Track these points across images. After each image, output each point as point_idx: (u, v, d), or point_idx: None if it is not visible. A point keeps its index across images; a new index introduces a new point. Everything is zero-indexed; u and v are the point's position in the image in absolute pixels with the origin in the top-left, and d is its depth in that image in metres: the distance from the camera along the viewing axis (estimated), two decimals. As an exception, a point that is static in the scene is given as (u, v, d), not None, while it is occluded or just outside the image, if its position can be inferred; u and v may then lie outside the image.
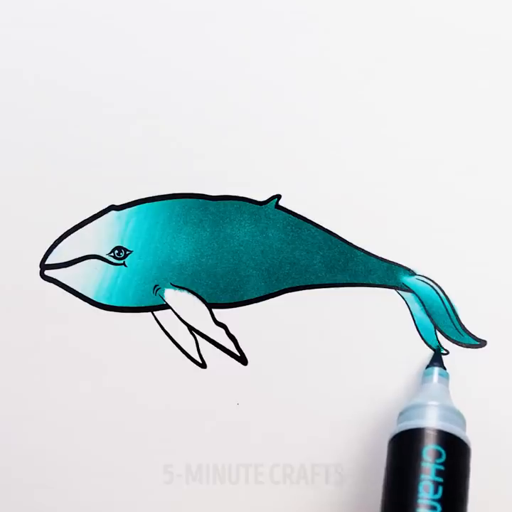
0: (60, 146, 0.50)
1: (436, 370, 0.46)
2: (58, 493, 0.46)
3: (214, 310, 0.48)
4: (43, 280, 0.48)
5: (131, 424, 0.47)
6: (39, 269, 0.48)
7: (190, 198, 0.49)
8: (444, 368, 0.46)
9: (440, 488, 0.40)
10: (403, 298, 0.48)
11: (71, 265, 0.49)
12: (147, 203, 0.49)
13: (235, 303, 0.48)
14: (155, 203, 0.49)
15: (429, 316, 0.48)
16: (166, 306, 0.48)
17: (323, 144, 0.50)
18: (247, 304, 0.48)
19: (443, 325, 0.48)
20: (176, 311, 0.48)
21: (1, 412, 0.47)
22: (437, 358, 0.47)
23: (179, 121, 0.50)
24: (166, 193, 0.49)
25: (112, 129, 0.50)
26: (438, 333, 0.48)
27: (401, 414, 0.44)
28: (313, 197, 0.50)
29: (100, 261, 0.49)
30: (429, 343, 0.48)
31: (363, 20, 0.52)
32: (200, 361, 0.48)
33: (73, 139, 0.50)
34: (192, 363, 0.48)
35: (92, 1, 0.52)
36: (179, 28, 0.51)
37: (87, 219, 0.49)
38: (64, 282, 0.48)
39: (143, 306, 0.48)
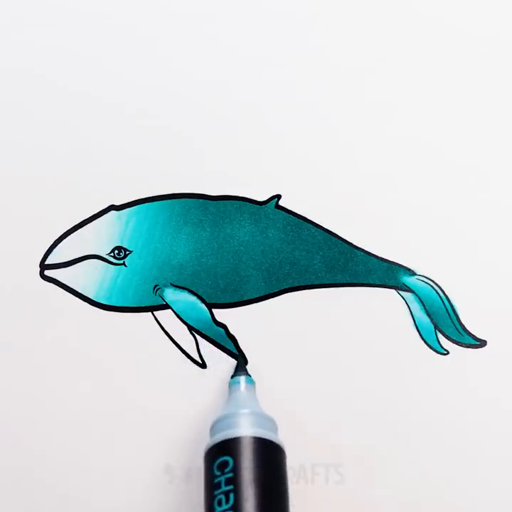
0: (60, 146, 0.50)
1: (242, 378, 0.46)
2: (58, 493, 0.46)
3: (214, 310, 0.48)
4: (43, 280, 0.48)
5: (131, 424, 0.47)
6: (39, 269, 0.48)
7: (190, 198, 0.49)
8: (249, 375, 0.46)
9: (231, 496, 0.40)
10: (403, 298, 0.48)
11: (71, 265, 0.49)
12: (147, 203, 0.49)
13: (235, 303, 0.48)
14: (155, 203, 0.49)
15: (429, 316, 0.48)
16: (166, 306, 0.48)
17: (323, 144, 0.50)
18: (247, 304, 0.48)
19: (443, 325, 0.48)
20: (175, 311, 0.48)
21: (1, 412, 0.47)
22: (242, 367, 0.47)
23: (179, 121, 0.50)
24: (166, 193, 0.49)
25: (112, 129, 0.50)
26: (438, 333, 0.48)
27: (214, 425, 0.44)
28: (313, 197, 0.50)
29: (100, 261, 0.49)
30: (429, 343, 0.48)
31: (363, 20, 0.52)
32: (200, 361, 0.48)
33: (73, 139, 0.50)
34: (192, 363, 0.48)
35: (92, 1, 0.52)
36: (179, 28, 0.51)
37: (87, 219, 0.49)
38: (64, 282, 0.48)
39: (143, 306, 0.48)
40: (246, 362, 0.47)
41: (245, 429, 0.42)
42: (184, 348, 0.48)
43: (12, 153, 0.50)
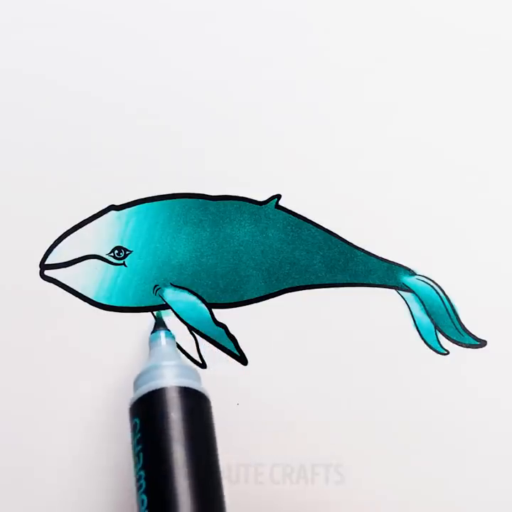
0: (60, 146, 0.50)
1: (162, 333, 0.46)
2: (58, 493, 0.46)
3: (214, 310, 0.48)
4: (43, 280, 0.48)
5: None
6: (39, 269, 0.48)
7: (190, 198, 0.49)
8: (169, 330, 0.47)
9: (141, 456, 0.40)
10: (403, 298, 0.48)
11: (71, 265, 0.49)
12: (147, 203, 0.49)
13: (235, 303, 0.48)
14: (155, 203, 0.49)
15: (429, 316, 0.48)
16: (166, 306, 0.48)
17: (323, 144, 0.50)
18: (247, 304, 0.48)
19: (443, 325, 0.48)
20: (175, 311, 0.48)
21: (1, 412, 0.47)
22: (160, 323, 0.47)
23: (179, 121, 0.50)
24: (166, 193, 0.49)
25: (112, 129, 0.50)
26: (438, 333, 0.48)
27: (138, 379, 0.44)
28: (313, 197, 0.50)
29: (100, 261, 0.49)
30: (429, 343, 0.48)
31: (363, 20, 0.52)
32: (200, 361, 0.48)
33: (73, 139, 0.50)
34: (192, 363, 0.48)
35: (92, 1, 0.52)
36: (179, 28, 0.51)
37: (87, 219, 0.49)
38: (64, 282, 0.48)
39: (143, 306, 0.48)
40: (163, 323, 0.47)
41: (169, 380, 0.42)
42: (184, 348, 0.48)
43: (12, 153, 0.50)
